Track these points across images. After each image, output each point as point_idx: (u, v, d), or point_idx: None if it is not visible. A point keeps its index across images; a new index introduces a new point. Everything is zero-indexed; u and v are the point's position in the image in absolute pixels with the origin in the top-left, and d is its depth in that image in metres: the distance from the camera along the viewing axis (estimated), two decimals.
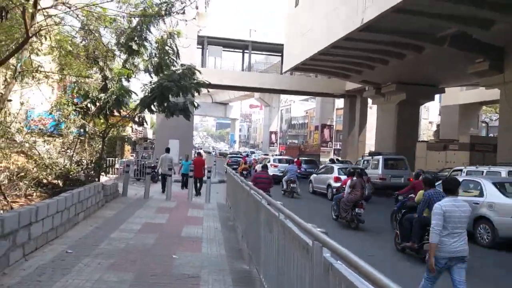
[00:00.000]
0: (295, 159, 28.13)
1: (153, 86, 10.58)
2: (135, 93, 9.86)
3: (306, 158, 31.46)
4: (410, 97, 29.45)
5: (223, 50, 42.30)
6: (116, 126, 11.38)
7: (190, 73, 10.87)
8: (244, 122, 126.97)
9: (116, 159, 21.39)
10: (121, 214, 9.27)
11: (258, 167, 28.30)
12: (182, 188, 16.02)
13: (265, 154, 43.72)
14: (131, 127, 21.69)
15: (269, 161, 25.16)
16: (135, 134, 25.23)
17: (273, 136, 77.94)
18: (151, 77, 10.78)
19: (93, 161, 10.55)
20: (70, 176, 9.36)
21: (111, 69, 9.63)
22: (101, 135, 10.60)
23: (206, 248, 6.74)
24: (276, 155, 38.37)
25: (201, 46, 40.07)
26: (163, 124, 33.61)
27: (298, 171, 22.96)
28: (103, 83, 9.26)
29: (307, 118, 77.95)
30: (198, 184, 15.43)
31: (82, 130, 10.20)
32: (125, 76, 9.88)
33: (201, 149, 52.53)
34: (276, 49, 42.05)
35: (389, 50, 22.97)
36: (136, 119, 10.91)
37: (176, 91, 9.91)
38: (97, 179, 10.47)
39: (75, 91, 9.65)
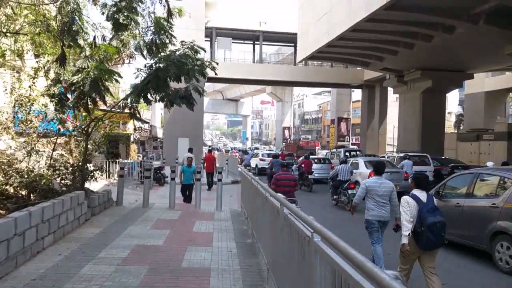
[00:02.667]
0: (280, 153, 31.30)
1: (148, 70, 8.47)
2: (119, 74, 7.71)
3: (287, 152, 36.06)
4: (436, 84, 27.22)
5: (233, 42, 40.06)
6: (103, 121, 9.21)
7: (193, 52, 8.72)
8: (255, 119, 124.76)
9: (119, 160, 19.39)
10: (107, 233, 7.16)
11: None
12: (185, 201, 12.08)
13: (257, 149, 46.30)
14: (134, 124, 19.55)
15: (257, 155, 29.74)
16: (139, 132, 23.08)
17: (286, 131, 75.44)
18: (144, 57, 8.63)
19: (75, 164, 8.44)
20: (43, 185, 7.29)
21: (90, 44, 7.49)
22: (84, 131, 8.47)
23: None
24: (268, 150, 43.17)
25: (209, 39, 37.94)
26: (171, 121, 31.69)
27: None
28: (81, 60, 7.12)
29: (321, 112, 75.53)
30: (210, 179, 17.31)
31: (59, 126, 8.11)
32: (109, 54, 7.71)
33: (210, 146, 51.20)
34: (289, 39, 39.81)
35: (415, 32, 20.74)
36: (127, 110, 8.74)
37: (174, 73, 7.76)
38: (80, 186, 8.37)
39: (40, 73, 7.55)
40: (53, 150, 8.62)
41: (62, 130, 8.56)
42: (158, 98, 8.67)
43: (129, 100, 8.64)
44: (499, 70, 31.64)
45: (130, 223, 8.06)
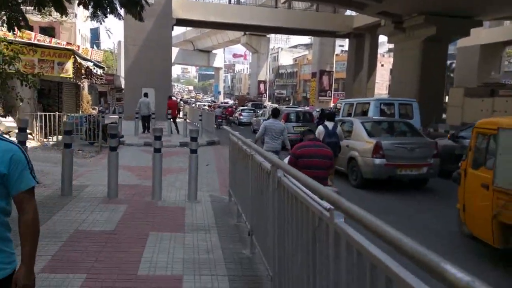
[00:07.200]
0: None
1: None
2: None
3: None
4: (440, 32, 23.84)
5: None
6: None
7: None
8: (227, 73, 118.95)
9: (62, 114, 14.71)
10: None
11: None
12: None
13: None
14: (77, 65, 14.66)
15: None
16: (88, 78, 17.98)
17: (262, 85, 70.75)
18: None
19: None
20: None
21: None
22: None
23: None
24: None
25: None
26: (133, 69, 26.87)
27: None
28: None
29: (297, 66, 71.13)
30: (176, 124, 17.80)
31: None
32: None
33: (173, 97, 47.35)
34: None
35: None
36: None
37: None
38: None
39: None
40: None
41: None
42: None
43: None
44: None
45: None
